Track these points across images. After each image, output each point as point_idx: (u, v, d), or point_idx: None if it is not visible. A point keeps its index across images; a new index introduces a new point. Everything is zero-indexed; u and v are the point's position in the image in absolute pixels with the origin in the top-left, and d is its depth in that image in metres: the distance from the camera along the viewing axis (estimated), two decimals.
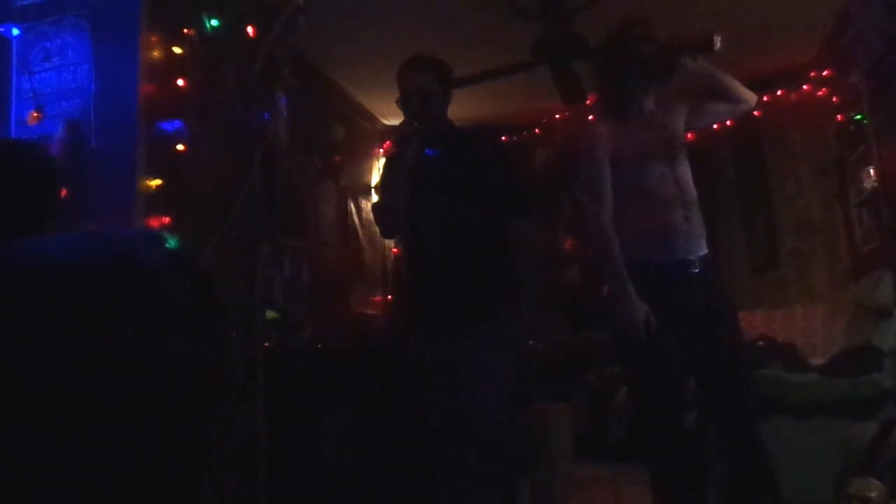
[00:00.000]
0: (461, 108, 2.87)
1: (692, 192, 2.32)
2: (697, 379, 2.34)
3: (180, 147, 2.10)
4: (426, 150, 2.51)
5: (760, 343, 3.88)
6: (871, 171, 3.53)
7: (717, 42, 2.14)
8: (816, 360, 3.60)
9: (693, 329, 2.22)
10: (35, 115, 2.00)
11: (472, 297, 2.36)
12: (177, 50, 2.14)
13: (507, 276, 2.44)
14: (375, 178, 5.69)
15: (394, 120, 5.74)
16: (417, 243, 2.51)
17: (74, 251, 0.59)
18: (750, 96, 2.36)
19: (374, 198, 5.63)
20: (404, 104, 2.50)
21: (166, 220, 2.02)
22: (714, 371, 2.26)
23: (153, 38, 2.07)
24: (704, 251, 2.31)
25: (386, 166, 2.66)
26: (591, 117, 5.62)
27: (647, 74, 2.27)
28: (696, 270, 2.26)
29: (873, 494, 2.49)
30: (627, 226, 2.25)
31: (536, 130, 5.92)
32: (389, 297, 5.58)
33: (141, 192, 2.00)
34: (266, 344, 3.06)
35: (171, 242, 0.64)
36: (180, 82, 2.13)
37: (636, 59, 2.24)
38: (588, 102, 5.12)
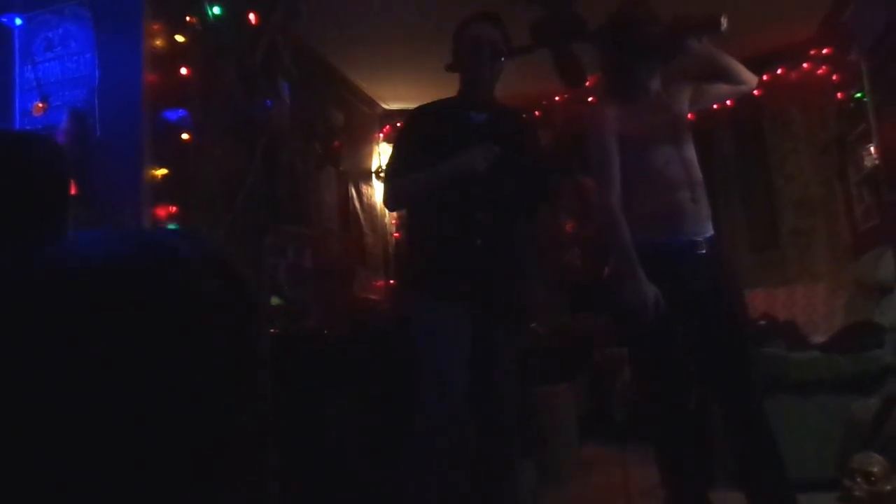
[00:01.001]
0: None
1: (698, 173, 2.33)
2: (703, 359, 2.36)
3: (185, 136, 2.10)
4: (472, 116, 2.45)
5: (762, 322, 3.90)
6: (871, 149, 3.53)
7: (724, 22, 2.14)
8: (818, 338, 3.62)
9: (700, 310, 2.24)
10: (40, 105, 2.00)
11: (506, 275, 2.36)
12: (179, 38, 2.14)
13: (531, 258, 2.45)
14: (376, 162, 5.69)
15: (394, 104, 5.73)
16: (450, 211, 2.38)
17: (120, 252, 0.61)
18: (751, 77, 2.36)
19: (376, 183, 5.63)
20: (472, 52, 2.40)
21: (173, 209, 2.03)
22: (721, 351, 2.28)
23: (155, 27, 2.07)
24: (711, 232, 2.33)
25: (433, 152, 2.37)
26: (591, 99, 5.63)
27: (651, 56, 2.28)
28: (704, 251, 2.28)
29: (875, 469, 2.53)
30: (634, 207, 2.26)
31: (536, 113, 5.91)
32: (392, 281, 5.60)
33: (147, 181, 2.01)
34: (272, 330, 3.09)
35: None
36: (184, 71, 2.14)
37: (641, 40, 2.25)
38: (588, 84, 5.11)
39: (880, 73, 2.15)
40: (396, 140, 2.53)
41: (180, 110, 2.08)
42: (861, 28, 2.26)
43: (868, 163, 3.89)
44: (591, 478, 3.84)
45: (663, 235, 2.23)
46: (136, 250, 0.62)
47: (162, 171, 2.02)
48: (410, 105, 5.78)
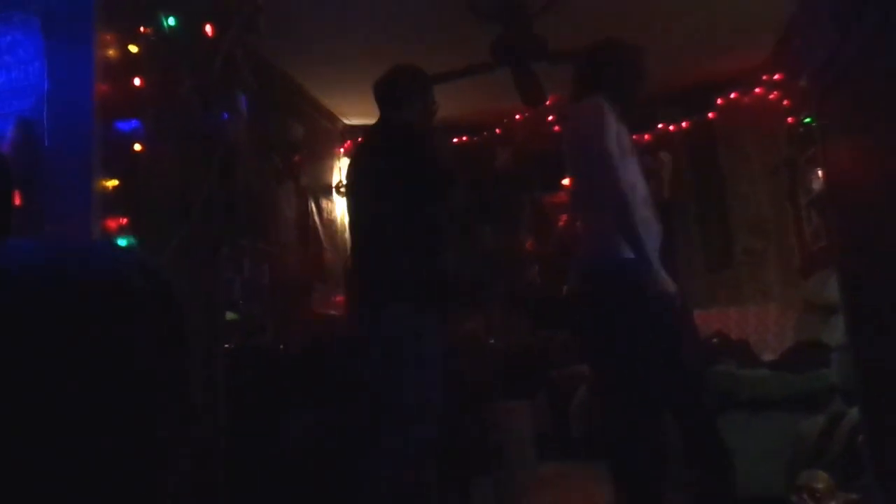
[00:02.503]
0: None
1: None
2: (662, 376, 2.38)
3: (137, 147, 2.06)
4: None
5: (715, 340, 3.98)
6: (819, 173, 3.65)
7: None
8: (768, 357, 3.70)
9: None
10: None
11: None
12: (133, 49, 2.10)
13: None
14: (336, 177, 5.66)
15: (355, 119, 5.72)
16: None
17: (49, 259, 0.60)
18: None
19: (336, 198, 5.60)
20: None
21: (124, 221, 1.99)
22: (679, 368, 2.32)
23: (108, 37, 2.03)
24: (658, 251, 2.40)
25: None
26: (550, 118, 5.70)
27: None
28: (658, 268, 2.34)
29: (821, 486, 2.58)
30: (606, 220, 2.30)
31: (497, 131, 5.96)
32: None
33: (97, 192, 1.96)
34: (226, 346, 3.04)
35: (134, 249, 0.65)
36: (137, 82, 2.10)
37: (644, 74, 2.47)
38: (547, 104, 5.18)
39: (825, 99, 2.22)
40: None
41: (133, 121, 2.04)
42: (809, 53, 2.34)
43: (816, 185, 4.01)
44: (548, 495, 3.84)
45: (630, 251, 2.27)
46: (62, 254, 0.61)
47: (113, 183, 1.97)
48: (371, 121, 5.80)
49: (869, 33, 1.78)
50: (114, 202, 1.98)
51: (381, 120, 2.59)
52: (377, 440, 2.32)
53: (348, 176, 2.66)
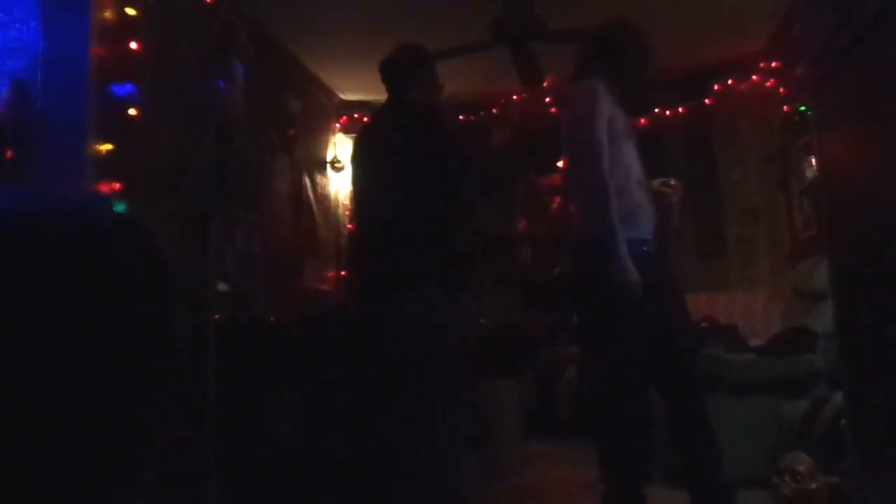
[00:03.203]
0: None
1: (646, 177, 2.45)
2: (653, 355, 2.41)
3: (132, 112, 2.05)
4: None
5: (704, 324, 4.01)
6: (812, 161, 3.66)
7: None
8: (756, 342, 3.74)
9: (650, 307, 2.30)
10: None
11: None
12: (130, 11, 2.08)
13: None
14: (331, 153, 5.64)
15: (352, 95, 5.69)
16: None
17: (28, 208, 0.59)
18: None
19: (331, 173, 5.58)
20: None
21: (117, 185, 1.98)
22: (668, 347, 2.35)
23: None
24: (652, 234, 2.43)
25: None
26: (547, 99, 5.69)
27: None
28: (647, 249, 2.37)
29: (802, 468, 2.62)
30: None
31: (494, 111, 5.95)
32: (343, 272, 5.56)
33: (91, 156, 1.94)
34: (217, 316, 3.04)
35: (121, 208, 0.65)
36: (133, 45, 2.08)
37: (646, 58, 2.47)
38: (545, 85, 5.17)
39: (822, 85, 2.23)
40: None
41: (128, 85, 2.02)
42: (806, 40, 2.34)
43: (809, 174, 4.03)
44: (533, 473, 3.88)
45: (625, 230, 2.29)
46: (45, 207, 0.60)
47: (106, 147, 1.95)
48: (369, 97, 5.79)
49: (866, 21, 1.78)
50: (107, 166, 1.96)
51: (393, 99, 2.57)
52: (408, 423, 2.33)
53: (356, 156, 2.63)
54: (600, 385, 2.43)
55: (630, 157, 2.39)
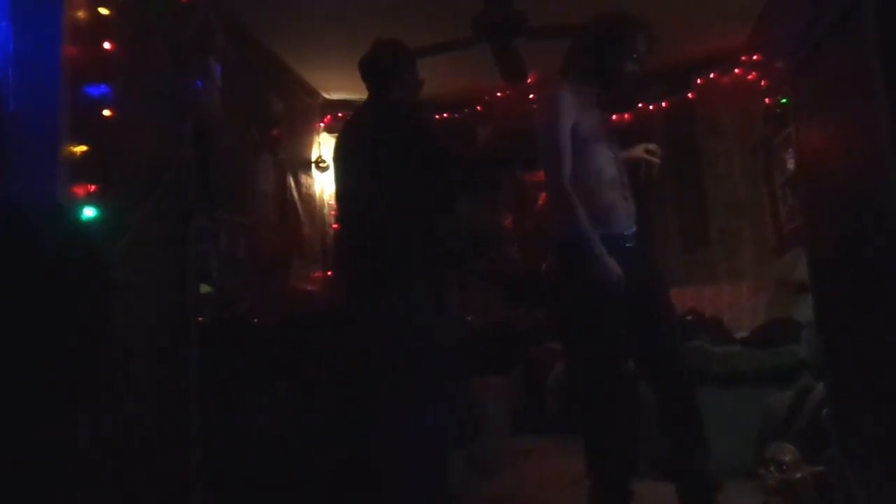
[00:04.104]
0: None
1: (625, 175, 2.49)
2: (639, 347, 2.44)
3: (107, 112, 2.02)
4: None
5: (689, 317, 4.03)
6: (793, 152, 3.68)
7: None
8: (741, 334, 3.76)
9: (634, 300, 2.31)
10: None
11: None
12: (103, 11, 2.05)
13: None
14: (315, 153, 5.62)
15: (335, 94, 5.67)
16: None
17: None
18: None
19: (315, 173, 5.56)
20: None
21: (92, 188, 1.95)
22: (655, 340, 2.38)
23: None
24: (634, 228, 2.45)
25: None
26: (531, 96, 5.70)
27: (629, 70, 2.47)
28: (631, 245, 2.41)
29: (787, 458, 2.63)
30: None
31: (477, 108, 5.94)
32: (329, 272, 5.54)
33: (65, 158, 1.92)
34: (200, 318, 3.02)
35: (94, 212, 0.64)
36: (107, 45, 2.05)
37: (632, 50, 2.46)
38: (529, 81, 5.16)
39: (798, 77, 2.24)
40: None
41: (102, 86, 2.00)
42: (783, 33, 2.35)
43: (791, 166, 4.05)
44: (522, 469, 3.89)
45: (599, 228, 2.31)
46: None
47: (81, 149, 1.93)
48: (352, 96, 5.77)
49: (840, 13, 1.79)
50: (82, 169, 1.94)
51: (373, 97, 2.57)
52: (397, 422, 2.33)
53: (339, 155, 2.62)
54: (583, 381, 2.43)
55: (602, 158, 2.41)
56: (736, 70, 5.10)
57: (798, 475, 2.57)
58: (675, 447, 2.41)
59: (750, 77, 5.02)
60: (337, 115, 5.70)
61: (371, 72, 2.57)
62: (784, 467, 2.60)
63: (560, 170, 2.32)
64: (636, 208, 2.50)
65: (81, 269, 0.61)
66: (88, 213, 1.94)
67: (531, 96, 5.80)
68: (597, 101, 2.51)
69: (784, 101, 4.05)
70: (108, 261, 0.63)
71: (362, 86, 2.64)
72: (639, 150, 2.62)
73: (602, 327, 2.31)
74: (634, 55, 2.49)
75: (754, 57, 4.96)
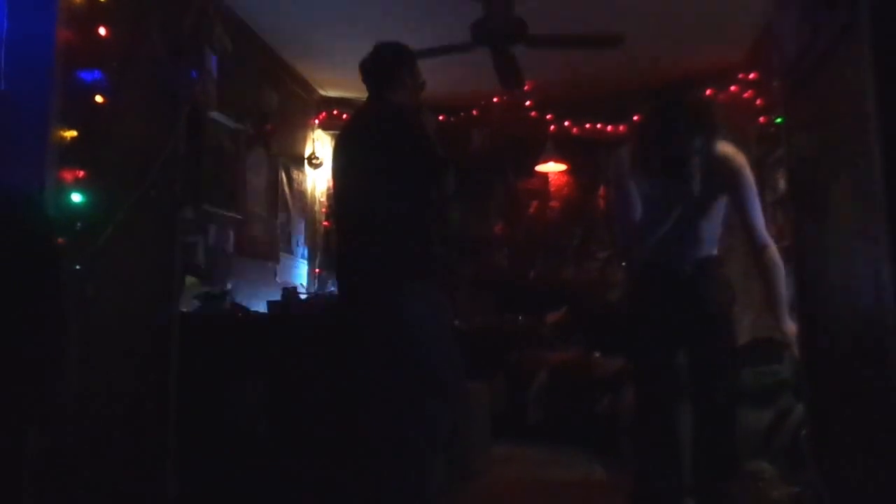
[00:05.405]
0: None
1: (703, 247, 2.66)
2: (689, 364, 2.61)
3: (99, 99, 2.00)
4: None
5: None
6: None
7: None
8: None
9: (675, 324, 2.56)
10: None
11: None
12: None
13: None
14: (309, 149, 5.60)
15: (332, 91, 5.65)
16: None
17: None
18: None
19: (308, 169, 5.54)
20: None
21: (80, 174, 1.93)
22: (696, 369, 2.57)
23: None
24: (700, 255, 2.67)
25: None
26: (528, 102, 5.71)
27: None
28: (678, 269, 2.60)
29: (765, 477, 2.65)
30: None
31: (474, 112, 5.94)
32: (318, 269, 5.52)
33: (54, 142, 1.90)
34: (183, 310, 3.00)
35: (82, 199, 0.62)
36: (102, 31, 2.04)
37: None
38: (526, 88, 5.17)
39: (793, 97, 2.25)
40: None
41: (96, 71, 1.98)
42: (779, 52, 2.36)
43: (782, 185, 4.06)
44: (500, 475, 3.87)
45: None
46: None
47: (71, 133, 1.91)
48: (349, 93, 5.75)
49: (835, 38, 1.80)
50: (71, 154, 1.92)
51: (374, 101, 2.56)
52: (384, 424, 2.33)
53: (337, 154, 2.62)
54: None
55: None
56: (732, 87, 5.12)
57: (775, 494, 2.58)
58: (697, 465, 2.48)
59: (746, 95, 5.03)
60: (332, 112, 5.69)
61: (372, 74, 2.56)
62: (761, 485, 2.62)
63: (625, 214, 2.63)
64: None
65: (37, 267, 0.60)
66: (76, 198, 1.92)
67: (528, 103, 5.81)
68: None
69: (779, 120, 4.07)
70: (67, 262, 0.61)
71: (359, 83, 2.62)
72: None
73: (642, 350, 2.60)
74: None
75: (751, 75, 4.98)
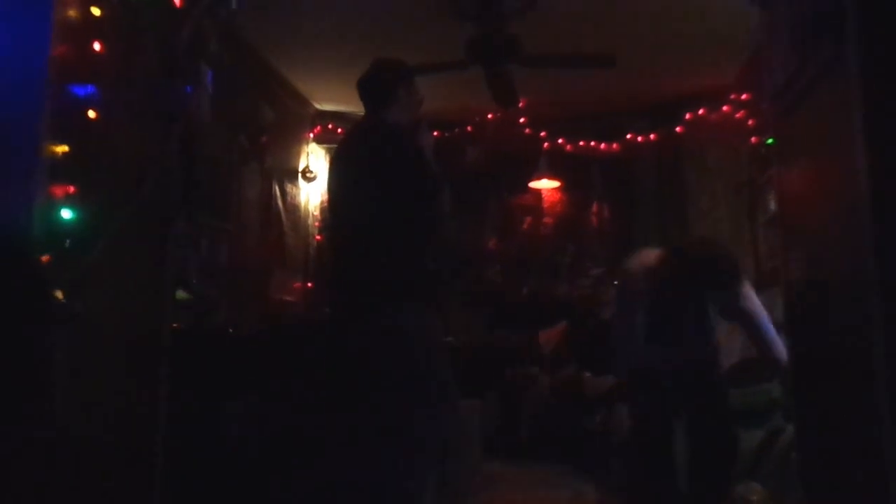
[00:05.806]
0: None
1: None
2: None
3: (92, 113, 2.00)
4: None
5: None
6: None
7: None
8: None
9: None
10: None
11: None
12: (95, 11, 2.04)
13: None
14: (303, 162, 5.60)
15: (327, 105, 5.67)
16: None
17: None
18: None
19: (302, 183, 5.55)
20: None
21: (71, 189, 1.93)
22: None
23: None
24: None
25: None
26: (522, 119, 5.73)
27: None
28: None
29: (755, 498, 2.64)
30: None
31: (468, 128, 5.96)
32: (310, 283, 5.51)
33: (45, 157, 1.89)
34: (175, 325, 2.98)
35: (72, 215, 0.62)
36: (97, 46, 2.04)
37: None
38: (520, 105, 5.20)
39: (781, 122, 2.27)
40: None
41: (89, 86, 1.98)
42: (769, 75, 2.39)
43: (773, 206, 4.08)
44: (492, 494, 3.86)
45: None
46: None
47: (62, 148, 1.90)
48: (344, 108, 5.75)
49: (823, 66, 1.82)
50: (62, 169, 1.91)
51: (371, 119, 2.56)
52: (375, 440, 2.32)
53: (333, 171, 2.63)
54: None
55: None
56: (724, 107, 5.15)
57: None
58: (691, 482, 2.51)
59: (738, 115, 5.07)
60: (327, 125, 5.70)
61: (369, 91, 2.57)
62: None
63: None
64: None
65: (24, 289, 0.59)
66: (66, 214, 1.91)
67: (522, 120, 5.84)
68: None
69: (770, 141, 4.10)
70: (54, 281, 0.61)
71: (354, 98, 2.63)
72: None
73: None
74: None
75: (743, 96, 5.02)
